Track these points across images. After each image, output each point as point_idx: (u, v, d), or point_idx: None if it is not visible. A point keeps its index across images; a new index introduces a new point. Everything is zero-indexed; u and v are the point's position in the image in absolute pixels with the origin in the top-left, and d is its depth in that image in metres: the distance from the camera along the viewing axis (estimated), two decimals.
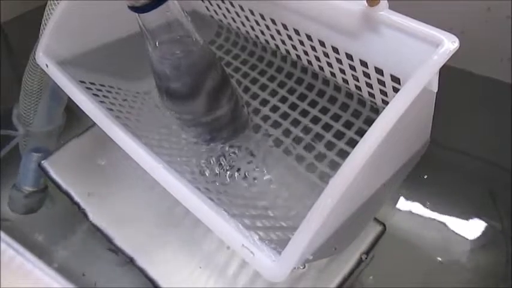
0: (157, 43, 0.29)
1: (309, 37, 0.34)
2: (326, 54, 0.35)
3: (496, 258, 0.36)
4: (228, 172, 0.38)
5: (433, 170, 0.40)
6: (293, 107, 0.40)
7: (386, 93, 0.33)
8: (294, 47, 0.38)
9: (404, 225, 0.38)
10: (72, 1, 0.35)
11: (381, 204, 0.36)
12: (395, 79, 0.30)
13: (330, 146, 0.38)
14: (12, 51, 0.59)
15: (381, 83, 0.32)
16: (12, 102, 0.47)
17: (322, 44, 0.34)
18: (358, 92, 0.37)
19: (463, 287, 0.35)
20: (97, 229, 0.38)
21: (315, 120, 0.39)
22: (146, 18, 0.27)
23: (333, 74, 0.37)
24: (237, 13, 0.41)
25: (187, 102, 0.33)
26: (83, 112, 0.32)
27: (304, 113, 0.40)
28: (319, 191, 0.23)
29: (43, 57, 0.35)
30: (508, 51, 0.43)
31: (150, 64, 0.31)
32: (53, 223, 0.43)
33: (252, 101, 0.42)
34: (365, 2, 0.27)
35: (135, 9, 0.26)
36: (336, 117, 0.39)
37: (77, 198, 0.40)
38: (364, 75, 0.33)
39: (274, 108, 0.41)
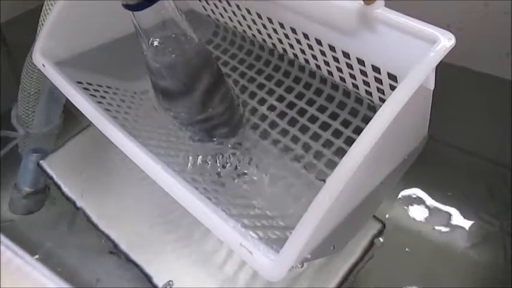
0: (151, 42, 0.29)
1: (305, 35, 0.34)
2: (323, 53, 0.35)
3: (495, 255, 0.36)
4: (226, 171, 0.38)
5: (431, 167, 0.40)
6: (290, 105, 0.40)
7: (383, 91, 0.33)
8: (291, 46, 0.38)
9: (402, 223, 0.38)
10: (68, 1, 0.35)
11: (379, 202, 0.36)
12: (392, 77, 0.30)
13: (327, 144, 0.38)
14: (11, 52, 0.59)
15: (378, 81, 0.32)
16: (11, 103, 0.48)
17: (319, 42, 0.34)
18: (356, 90, 0.37)
19: (462, 284, 0.35)
20: (95, 228, 0.38)
21: (312, 118, 0.39)
22: (141, 17, 0.27)
23: (330, 73, 0.37)
24: (233, 12, 0.41)
25: (182, 100, 0.33)
26: (80, 112, 0.32)
27: (301, 112, 0.40)
28: (317, 189, 0.23)
29: (40, 57, 0.34)
30: (506, 47, 0.43)
31: (145, 63, 0.31)
32: (53, 223, 0.43)
33: (250, 100, 0.42)
34: (361, 0, 0.27)
35: (129, 7, 0.26)
36: (333, 116, 0.39)
37: (75, 197, 0.40)
38: (361, 73, 0.33)
39: (272, 107, 0.41)
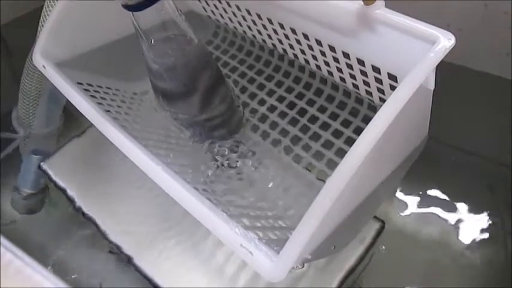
0: (151, 42, 0.29)
1: (305, 36, 0.34)
2: (323, 53, 0.35)
3: (496, 254, 0.36)
4: (226, 172, 0.38)
5: (432, 166, 0.40)
6: (291, 106, 0.40)
7: (383, 91, 0.33)
8: (291, 46, 0.38)
9: (403, 223, 0.38)
10: (69, 2, 0.35)
11: (379, 202, 0.36)
12: (393, 77, 0.30)
13: (327, 144, 0.38)
14: (12, 54, 0.59)
15: (378, 81, 0.32)
16: (12, 104, 0.48)
17: (319, 43, 0.34)
18: (356, 90, 0.37)
19: (463, 283, 0.35)
20: (96, 229, 0.38)
21: (313, 119, 0.39)
22: (140, 17, 0.27)
23: (330, 73, 0.37)
24: (233, 13, 0.41)
25: (182, 101, 0.33)
26: (81, 113, 0.32)
27: (301, 112, 0.40)
28: (317, 190, 0.23)
29: (40, 58, 0.34)
30: (506, 46, 0.43)
31: (145, 64, 0.31)
32: (53, 224, 0.43)
33: (250, 101, 0.42)
34: (361, 0, 0.27)
35: (129, 7, 0.26)
36: (334, 116, 0.39)
37: (76, 198, 0.40)
38: (361, 73, 0.33)
39: (272, 108, 0.41)
